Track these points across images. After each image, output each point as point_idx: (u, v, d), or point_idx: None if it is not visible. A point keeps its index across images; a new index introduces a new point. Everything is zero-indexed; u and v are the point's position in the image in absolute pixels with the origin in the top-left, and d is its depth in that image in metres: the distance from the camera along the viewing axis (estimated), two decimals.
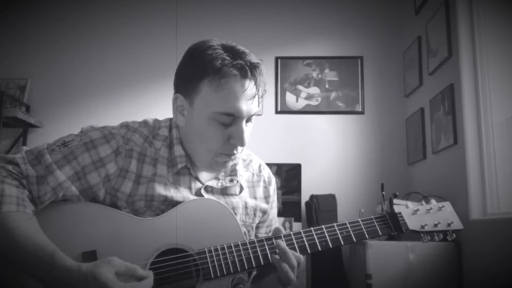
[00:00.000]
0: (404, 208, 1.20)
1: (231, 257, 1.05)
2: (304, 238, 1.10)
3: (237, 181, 1.20)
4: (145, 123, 1.16)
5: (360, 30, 3.56)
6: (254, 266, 1.06)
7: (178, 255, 1.04)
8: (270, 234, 1.14)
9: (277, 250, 1.06)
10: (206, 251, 1.05)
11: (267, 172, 1.30)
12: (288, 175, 3.26)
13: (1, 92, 3.17)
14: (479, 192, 2.32)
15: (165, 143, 1.14)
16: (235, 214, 1.15)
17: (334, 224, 1.14)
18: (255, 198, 1.25)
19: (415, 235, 1.20)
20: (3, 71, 3.58)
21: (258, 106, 1.12)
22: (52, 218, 1.01)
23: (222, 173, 1.20)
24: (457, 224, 1.21)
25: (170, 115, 1.20)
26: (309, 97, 3.50)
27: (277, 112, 3.50)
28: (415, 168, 3.17)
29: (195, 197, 1.13)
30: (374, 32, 3.55)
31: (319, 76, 3.52)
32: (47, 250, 0.92)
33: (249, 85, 1.06)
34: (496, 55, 2.39)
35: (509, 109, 2.33)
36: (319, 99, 3.49)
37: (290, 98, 3.51)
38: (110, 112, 3.49)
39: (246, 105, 1.07)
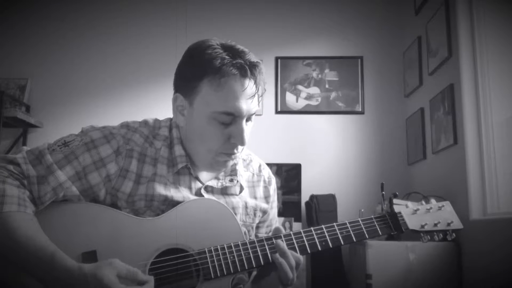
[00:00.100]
0: (404, 207, 1.20)
1: (231, 257, 1.05)
2: (304, 238, 1.10)
3: (237, 181, 1.20)
4: (145, 123, 1.16)
5: (360, 30, 3.56)
6: (254, 266, 1.06)
7: (178, 255, 1.04)
8: (270, 234, 1.14)
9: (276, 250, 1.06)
10: (206, 251, 1.05)
11: (267, 172, 1.30)
12: (288, 175, 3.26)
13: (1, 92, 3.17)
14: (479, 192, 2.32)
15: (165, 143, 1.14)
16: (235, 214, 1.15)
17: (334, 224, 1.14)
18: (255, 198, 1.25)
19: (415, 234, 1.20)
20: (3, 71, 3.59)
21: (258, 105, 1.12)
22: (52, 218, 1.01)
23: (222, 173, 1.20)
24: (457, 224, 1.21)
25: (170, 115, 1.20)
26: (309, 97, 3.50)
27: (277, 112, 3.50)
28: (415, 168, 3.17)
29: (195, 197, 1.13)
30: (374, 32, 3.55)
31: (319, 76, 3.52)
32: (47, 250, 0.92)
33: (249, 84, 1.06)
34: (496, 55, 2.39)
35: (509, 109, 2.33)
36: (319, 99, 3.49)
37: (290, 98, 3.51)
38: (110, 112, 3.49)
39: (246, 104, 1.07)
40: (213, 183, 1.18)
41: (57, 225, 1.01)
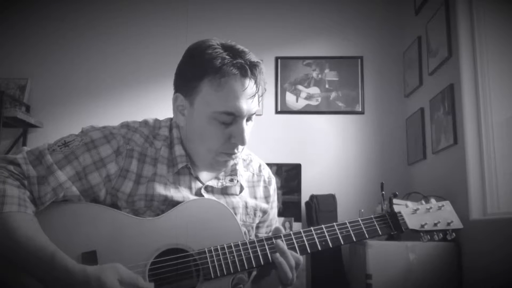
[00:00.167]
0: (403, 207, 1.20)
1: (231, 257, 1.05)
2: (304, 238, 1.10)
3: (237, 181, 1.20)
4: (145, 123, 1.16)
5: (360, 30, 3.56)
6: (254, 266, 1.06)
7: (178, 255, 1.04)
8: (270, 234, 1.14)
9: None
10: (206, 251, 1.05)
11: (267, 172, 1.30)
12: (288, 175, 3.26)
13: (1, 92, 3.17)
14: (479, 192, 2.32)
15: (165, 143, 1.14)
16: (235, 214, 1.15)
17: (334, 223, 1.14)
18: (255, 198, 1.25)
19: (415, 234, 1.20)
20: (3, 71, 3.59)
21: (258, 105, 1.12)
22: (52, 218, 1.01)
23: (222, 173, 1.20)
24: (457, 223, 1.21)
25: (170, 115, 1.20)
26: (309, 97, 3.50)
27: (277, 112, 3.50)
28: (415, 168, 3.17)
29: (195, 197, 1.13)
30: (374, 32, 3.55)
31: (319, 76, 3.52)
32: (47, 250, 0.92)
33: (249, 84, 1.06)
34: (496, 55, 2.39)
35: (509, 109, 2.33)
36: (319, 99, 3.49)
37: (290, 98, 3.52)
38: (110, 112, 3.49)
39: (247, 104, 1.07)
40: (213, 183, 1.18)
41: (57, 225, 1.01)
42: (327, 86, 3.51)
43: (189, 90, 1.09)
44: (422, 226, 1.18)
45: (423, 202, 1.24)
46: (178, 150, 1.13)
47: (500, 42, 2.40)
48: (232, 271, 1.04)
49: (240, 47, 1.09)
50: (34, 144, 3.24)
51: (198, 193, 1.15)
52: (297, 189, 3.22)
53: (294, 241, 1.10)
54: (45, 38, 3.67)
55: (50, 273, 0.91)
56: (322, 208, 3.07)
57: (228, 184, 1.19)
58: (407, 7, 3.37)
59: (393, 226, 1.18)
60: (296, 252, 1.08)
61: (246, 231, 1.19)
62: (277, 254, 1.05)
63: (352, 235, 1.13)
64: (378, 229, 1.16)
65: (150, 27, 3.64)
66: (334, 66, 3.53)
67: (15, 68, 3.62)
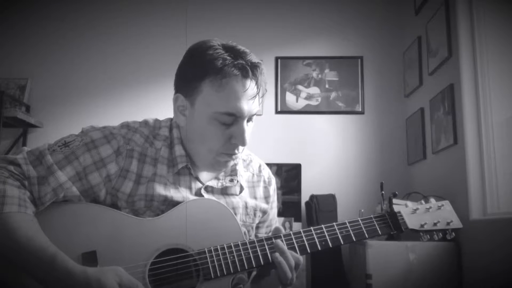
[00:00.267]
0: (403, 207, 1.20)
1: (231, 257, 1.05)
2: (304, 238, 1.10)
3: (237, 181, 1.20)
4: (145, 123, 1.16)
5: (360, 30, 3.56)
6: (254, 266, 1.06)
7: (178, 255, 1.04)
8: (270, 234, 1.14)
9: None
10: (206, 251, 1.05)
11: (267, 172, 1.31)
12: (288, 175, 3.26)
13: (1, 92, 3.17)
14: (479, 192, 2.32)
15: (165, 143, 1.14)
16: (235, 214, 1.16)
17: (334, 223, 1.14)
18: (255, 198, 1.25)
19: (415, 234, 1.20)
20: (3, 71, 3.59)
21: (259, 105, 1.12)
22: (52, 219, 1.01)
23: (222, 173, 1.20)
24: (457, 223, 1.21)
25: (171, 115, 1.20)
26: (309, 97, 3.50)
27: (277, 112, 3.51)
28: (415, 168, 3.17)
29: (195, 197, 1.13)
30: (374, 32, 3.55)
31: (319, 76, 3.52)
32: (48, 251, 0.92)
33: (250, 85, 1.07)
34: (496, 55, 2.39)
35: (509, 109, 2.33)
36: (319, 99, 3.50)
37: (290, 98, 3.52)
38: (110, 112, 3.49)
39: (247, 105, 1.07)
40: (213, 183, 1.18)
41: (57, 225, 1.01)
42: (327, 86, 3.51)
43: (190, 91, 1.09)
44: (422, 225, 1.18)
45: (422, 202, 1.24)
46: (178, 150, 1.13)
47: (500, 42, 2.40)
48: (232, 271, 1.04)
49: (241, 47, 1.09)
50: (34, 144, 3.25)
51: (198, 193, 1.15)
52: (297, 189, 3.22)
53: (294, 241, 1.10)
54: (45, 38, 3.67)
55: (50, 274, 0.91)
56: (322, 208, 3.07)
57: (228, 184, 1.19)
58: (407, 7, 3.37)
59: (392, 226, 1.18)
60: (296, 252, 1.08)
61: (246, 231, 1.20)
62: (277, 254, 1.05)
63: (352, 235, 1.13)
64: (378, 229, 1.16)
65: (150, 27, 3.64)
66: (334, 66, 3.53)
67: (15, 68, 3.62)
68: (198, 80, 1.07)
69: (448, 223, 1.20)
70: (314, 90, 3.51)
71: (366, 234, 1.14)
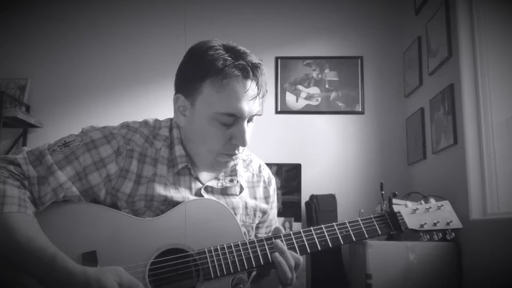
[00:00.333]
0: (403, 207, 1.21)
1: (231, 257, 1.05)
2: (304, 238, 1.10)
3: (237, 181, 1.20)
4: (145, 123, 1.16)
5: (360, 30, 3.56)
6: (254, 266, 1.06)
7: (178, 255, 1.04)
8: (270, 234, 1.15)
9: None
10: (206, 251, 1.05)
11: (267, 173, 1.31)
12: (288, 175, 3.26)
13: (1, 92, 3.17)
14: (479, 192, 2.32)
15: (165, 143, 1.14)
16: (235, 214, 1.16)
17: (334, 223, 1.14)
18: (255, 198, 1.25)
19: (415, 234, 1.20)
20: (3, 71, 3.59)
21: (260, 106, 1.12)
22: (52, 219, 1.01)
23: (222, 173, 1.20)
24: (456, 223, 1.21)
25: (171, 115, 1.21)
26: (309, 97, 3.50)
27: (277, 112, 3.51)
28: (415, 168, 3.17)
29: (195, 197, 1.13)
30: (374, 32, 3.55)
31: (319, 76, 3.52)
32: (48, 252, 0.92)
33: (251, 86, 1.07)
34: (496, 55, 2.39)
35: (509, 109, 2.33)
36: (319, 99, 3.50)
37: (290, 98, 3.52)
38: (110, 112, 3.49)
39: (248, 106, 1.07)
40: (213, 183, 1.18)
41: (57, 225, 1.01)
42: (327, 86, 3.51)
43: (190, 91, 1.09)
44: (422, 225, 1.19)
45: (422, 202, 1.24)
46: (178, 150, 1.13)
47: (500, 42, 2.40)
48: (232, 271, 1.05)
49: (242, 48, 1.09)
50: (34, 144, 3.25)
51: (198, 194, 1.15)
52: (297, 189, 3.22)
53: (294, 241, 1.10)
54: (45, 38, 3.67)
55: (50, 274, 0.91)
56: (322, 208, 3.07)
57: (228, 184, 1.19)
58: (407, 7, 3.37)
59: (392, 226, 1.18)
60: (296, 252, 1.08)
61: (246, 232, 1.20)
62: (277, 254, 1.05)
63: (352, 235, 1.13)
64: (378, 229, 1.16)
65: (150, 27, 3.64)
66: (334, 66, 3.53)
67: (15, 68, 3.62)
68: (198, 80, 1.07)
69: (448, 223, 1.21)
70: (314, 90, 3.51)
71: (366, 234, 1.14)
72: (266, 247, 1.08)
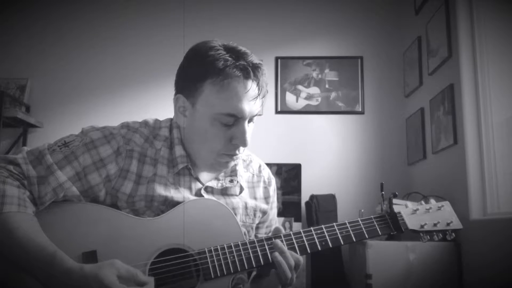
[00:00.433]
0: (403, 207, 1.21)
1: (231, 257, 1.05)
2: (304, 238, 1.10)
3: (237, 182, 1.20)
4: (145, 123, 1.16)
5: (360, 30, 3.56)
6: (254, 266, 1.06)
7: (178, 255, 1.04)
8: (270, 234, 1.15)
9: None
10: (206, 251, 1.05)
11: (267, 173, 1.31)
12: (288, 175, 3.26)
13: (1, 92, 3.18)
14: (479, 192, 2.32)
15: (165, 143, 1.14)
16: (235, 214, 1.16)
17: (334, 224, 1.14)
18: (255, 198, 1.25)
19: (415, 235, 1.20)
20: (3, 71, 3.59)
21: (260, 106, 1.12)
22: (53, 218, 1.01)
23: (222, 174, 1.20)
24: (456, 224, 1.22)
25: (170, 115, 1.20)
26: (309, 97, 3.50)
27: (277, 112, 3.51)
28: (415, 168, 3.17)
29: (195, 198, 1.13)
30: (374, 32, 3.55)
31: (319, 76, 3.52)
32: (48, 251, 0.92)
33: (252, 86, 1.07)
34: (496, 55, 2.39)
35: (509, 109, 2.33)
36: (319, 99, 3.50)
37: (290, 98, 3.52)
38: (110, 112, 3.49)
39: (249, 106, 1.07)
40: (213, 183, 1.18)
41: (57, 225, 1.01)
42: (327, 86, 3.51)
43: (191, 92, 1.09)
44: (422, 226, 1.19)
45: (422, 202, 1.24)
46: (179, 150, 1.13)
47: (500, 42, 2.40)
48: (232, 271, 1.05)
49: (242, 48, 1.09)
50: (34, 144, 3.24)
51: (198, 194, 1.15)
52: (297, 189, 3.22)
53: (294, 241, 1.10)
54: (45, 38, 3.67)
55: (49, 273, 0.91)
56: (322, 208, 3.07)
57: (228, 185, 1.19)
58: (407, 7, 3.37)
59: (392, 226, 1.18)
60: (296, 252, 1.08)
61: (246, 232, 1.20)
62: (276, 254, 1.05)
63: (352, 235, 1.13)
64: (378, 229, 1.16)
65: (150, 27, 3.64)
66: (334, 66, 3.53)
67: (15, 68, 3.62)
68: (199, 81, 1.07)
69: (448, 224, 1.21)
70: (314, 90, 3.51)
71: (366, 235, 1.14)
72: (266, 247, 1.08)
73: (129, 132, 1.11)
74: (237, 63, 1.05)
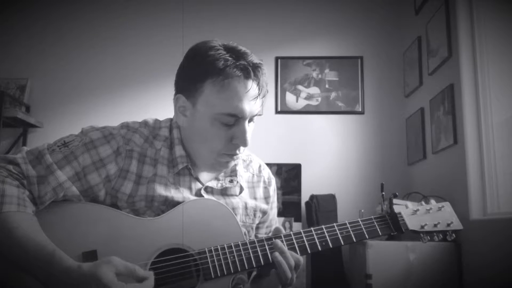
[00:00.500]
0: (403, 208, 1.21)
1: (231, 257, 1.05)
2: (304, 238, 1.10)
3: (237, 182, 1.20)
4: (145, 123, 1.16)
5: (360, 30, 3.56)
6: (254, 266, 1.06)
7: (178, 255, 1.04)
8: (270, 234, 1.15)
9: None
10: (207, 251, 1.05)
11: (267, 173, 1.31)
12: (288, 175, 3.26)
13: (1, 92, 3.17)
14: (479, 192, 2.32)
15: (165, 143, 1.14)
16: (235, 214, 1.15)
17: (334, 224, 1.14)
18: (255, 198, 1.25)
19: (415, 235, 1.20)
20: (3, 71, 3.59)
21: (261, 106, 1.12)
22: (53, 218, 1.01)
23: (222, 174, 1.20)
24: (457, 224, 1.21)
25: (170, 115, 1.20)
26: (309, 97, 3.50)
27: (277, 112, 3.50)
28: (415, 168, 3.17)
29: (195, 198, 1.13)
30: (374, 32, 3.55)
31: (319, 76, 3.52)
32: (47, 250, 0.92)
33: (252, 86, 1.07)
34: (496, 55, 2.39)
35: (509, 109, 2.33)
36: (319, 99, 3.50)
37: (290, 98, 3.52)
38: (110, 112, 3.49)
39: (249, 106, 1.07)
40: (213, 184, 1.18)
41: (57, 224, 1.01)
42: (327, 86, 3.51)
43: (191, 92, 1.09)
44: (422, 227, 1.19)
45: (423, 203, 1.24)
46: (179, 150, 1.13)
47: (500, 42, 2.40)
48: (232, 271, 1.05)
49: (242, 48, 1.09)
50: (34, 144, 3.24)
51: (198, 194, 1.15)
52: (297, 189, 3.22)
53: (294, 241, 1.10)
54: (45, 38, 3.67)
55: (49, 272, 0.91)
56: (322, 208, 3.07)
57: (228, 185, 1.19)
58: (407, 7, 3.37)
59: (393, 226, 1.18)
60: (296, 252, 1.08)
61: (246, 232, 1.20)
62: (276, 253, 1.05)
63: (352, 236, 1.13)
64: (378, 229, 1.16)
65: (150, 27, 3.64)
66: (334, 66, 3.53)
67: (15, 68, 3.62)
68: (199, 81, 1.07)
69: (448, 224, 1.21)
70: (314, 90, 3.51)
71: (366, 235, 1.14)
72: (266, 247, 1.08)
73: (129, 132, 1.11)
74: (238, 63, 1.05)
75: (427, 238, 1.20)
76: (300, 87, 3.52)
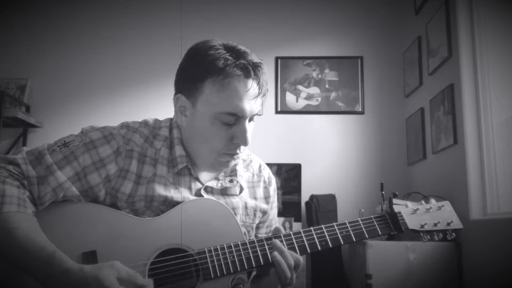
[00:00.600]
0: (403, 207, 1.20)
1: (231, 257, 1.05)
2: (304, 238, 1.10)
3: (237, 182, 1.20)
4: (145, 123, 1.16)
5: (360, 30, 3.56)
6: (254, 266, 1.06)
7: (178, 255, 1.04)
8: (270, 234, 1.14)
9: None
10: (206, 251, 1.05)
11: (267, 172, 1.30)
12: (288, 175, 3.26)
13: (1, 92, 3.17)
14: (479, 192, 2.32)
15: (165, 143, 1.14)
16: (235, 214, 1.15)
17: (334, 224, 1.14)
18: (255, 198, 1.25)
19: (415, 234, 1.20)
20: (3, 71, 3.59)
21: (261, 105, 1.12)
22: (53, 218, 1.01)
23: (222, 174, 1.20)
24: (457, 223, 1.21)
25: (170, 115, 1.20)
26: (309, 97, 3.50)
27: (277, 112, 3.50)
28: (415, 168, 3.17)
29: (195, 197, 1.13)
30: (374, 32, 3.55)
31: (319, 76, 3.52)
32: (47, 251, 0.92)
33: (252, 85, 1.07)
34: (496, 55, 2.39)
35: (509, 109, 2.33)
36: (319, 99, 3.49)
37: (290, 98, 3.51)
38: (110, 112, 3.49)
39: (249, 105, 1.07)
40: (213, 183, 1.18)
41: (57, 225, 1.01)
42: (327, 86, 3.51)
43: (191, 91, 1.09)
44: (422, 226, 1.18)
45: (423, 202, 1.24)
46: (179, 150, 1.13)
47: (500, 42, 2.40)
48: (232, 271, 1.04)
49: (242, 47, 1.09)
50: (34, 144, 3.24)
51: (198, 194, 1.15)
52: (297, 189, 3.22)
53: (294, 241, 1.10)
54: (45, 38, 3.67)
55: (49, 273, 0.91)
56: (322, 208, 3.07)
57: (228, 185, 1.19)
58: (407, 7, 3.36)
59: (393, 226, 1.18)
60: (296, 252, 1.08)
61: (246, 232, 1.20)
62: (276, 253, 1.05)
63: (352, 235, 1.13)
64: (378, 229, 1.16)
65: (149, 27, 3.64)
66: (334, 66, 3.53)
67: (15, 68, 3.62)
68: (199, 80, 1.07)
69: (448, 224, 1.20)
70: (314, 90, 3.51)
71: (366, 235, 1.14)
72: (266, 247, 1.08)
73: (129, 132, 1.11)
74: (238, 62, 1.05)
75: (427, 238, 1.20)
76: (300, 87, 3.52)
